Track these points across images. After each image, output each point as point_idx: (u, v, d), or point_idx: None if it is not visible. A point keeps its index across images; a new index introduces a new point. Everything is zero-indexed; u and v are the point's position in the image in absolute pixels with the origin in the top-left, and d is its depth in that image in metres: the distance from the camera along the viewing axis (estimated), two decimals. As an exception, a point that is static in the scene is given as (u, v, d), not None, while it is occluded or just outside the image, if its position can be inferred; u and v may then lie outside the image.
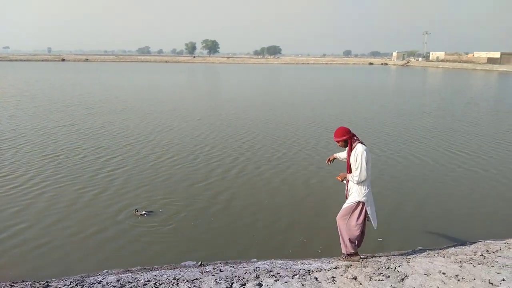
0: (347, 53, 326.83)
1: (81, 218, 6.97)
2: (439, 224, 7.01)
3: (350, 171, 4.95)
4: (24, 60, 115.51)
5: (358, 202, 4.89)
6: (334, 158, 5.48)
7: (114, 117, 17.26)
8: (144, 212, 7.14)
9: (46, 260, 5.65)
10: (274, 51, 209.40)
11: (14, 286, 4.69)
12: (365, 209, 4.91)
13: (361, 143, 4.90)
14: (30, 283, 4.75)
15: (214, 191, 8.44)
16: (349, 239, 4.99)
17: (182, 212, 7.37)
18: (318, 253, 5.83)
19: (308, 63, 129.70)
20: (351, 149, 4.88)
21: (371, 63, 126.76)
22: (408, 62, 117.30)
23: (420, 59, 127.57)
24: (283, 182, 9.11)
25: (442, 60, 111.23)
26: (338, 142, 4.99)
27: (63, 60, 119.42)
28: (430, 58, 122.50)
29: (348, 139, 4.90)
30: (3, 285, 4.73)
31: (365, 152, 4.77)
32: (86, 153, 11.15)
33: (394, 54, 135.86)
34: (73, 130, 14.40)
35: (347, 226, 4.95)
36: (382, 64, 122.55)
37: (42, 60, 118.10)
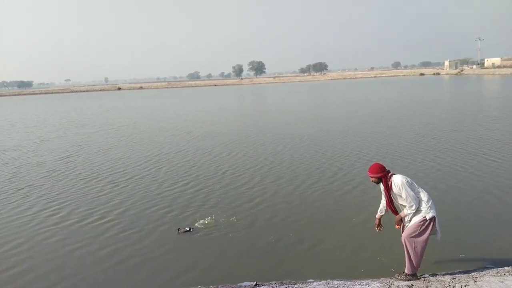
0: (396, 65, 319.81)
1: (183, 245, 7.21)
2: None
3: (390, 204, 5.15)
4: (84, 91, 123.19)
5: (425, 219, 4.86)
6: (380, 220, 5.57)
7: (214, 142, 17.70)
8: (188, 229, 7.53)
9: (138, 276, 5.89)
10: (320, 67, 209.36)
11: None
12: (432, 224, 4.89)
13: (395, 174, 5.05)
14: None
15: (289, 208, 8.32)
16: (416, 257, 4.97)
17: (240, 229, 7.54)
18: (391, 272, 5.57)
19: (356, 78, 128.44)
20: (388, 186, 5.03)
21: (422, 74, 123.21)
22: (461, 71, 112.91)
23: (474, 66, 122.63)
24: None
25: (499, 67, 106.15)
26: (372, 178, 5.13)
27: (119, 89, 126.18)
28: (485, 65, 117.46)
29: (382, 177, 5.04)
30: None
31: (404, 180, 4.91)
32: (219, 178, 11.53)
33: (446, 63, 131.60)
34: (182, 156, 14.98)
35: (415, 244, 4.92)
36: (434, 74, 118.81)
37: (100, 90, 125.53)
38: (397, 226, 5.27)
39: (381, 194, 5.38)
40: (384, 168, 5.07)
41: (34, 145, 19.38)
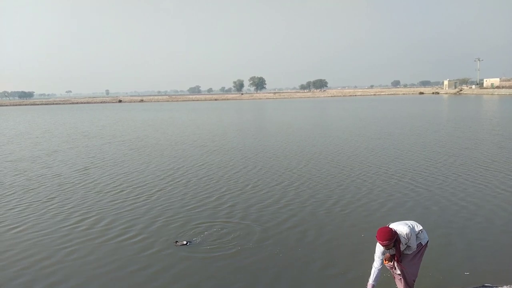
0: (396, 84, 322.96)
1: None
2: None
3: (399, 256, 4.96)
4: (85, 103, 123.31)
5: (421, 244, 5.06)
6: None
7: (228, 156, 17.61)
8: (185, 242, 7.58)
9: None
10: (320, 84, 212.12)
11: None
12: (426, 247, 5.11)
13: (391, 226, 4.97)
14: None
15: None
16: (411, 280, 5.12)
17: (268, 249, 7.47)
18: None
19: (355, 95, 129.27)
20: (399, 243, 4.85)
21: (421, 93, 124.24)
22: (461, 90, 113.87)
23: (473, 86, 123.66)
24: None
25: (498, 87, 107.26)
26: (388, 245, 4.74)
27: (120, 101, 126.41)
28: (484, 85, 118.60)
29: (397, 239, 4.82)
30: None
31: (407, 227, 4.89)
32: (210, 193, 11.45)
33: (446, 82, 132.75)
34: (197, 169, 14.86)
35: (410, 267, 5.05)
36: (433, 93, 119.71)
37: (101, 102, 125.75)
38: (385, 262, 5.15)
39: (375, 258, 5.01)
40: (392, 228, 4.87)
41: (45, 156, 19.24)
